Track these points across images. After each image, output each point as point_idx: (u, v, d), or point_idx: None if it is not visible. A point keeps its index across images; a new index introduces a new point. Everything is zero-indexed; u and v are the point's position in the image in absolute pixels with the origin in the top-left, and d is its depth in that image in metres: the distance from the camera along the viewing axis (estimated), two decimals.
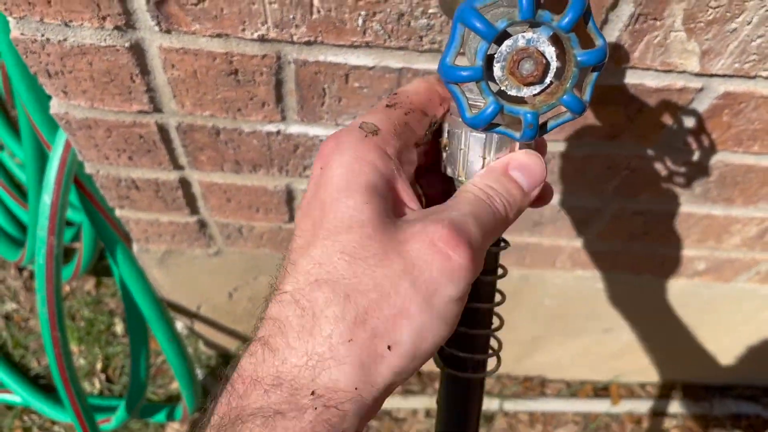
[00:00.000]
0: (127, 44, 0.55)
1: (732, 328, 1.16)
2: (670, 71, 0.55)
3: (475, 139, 0.36)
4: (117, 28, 0.53)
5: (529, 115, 0.30)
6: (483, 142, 0.36)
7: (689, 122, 0.62)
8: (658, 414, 1.49)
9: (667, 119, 0.61)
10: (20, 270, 1.51)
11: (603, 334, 1.21)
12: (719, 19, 0.49)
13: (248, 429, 0.29)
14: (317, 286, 0.31)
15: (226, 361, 1.44)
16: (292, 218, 0.83)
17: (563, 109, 0.31)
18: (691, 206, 0.75)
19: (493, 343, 0.45)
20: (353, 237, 0.31)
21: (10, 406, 1.39)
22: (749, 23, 0.50)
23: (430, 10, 0.50)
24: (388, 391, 0.32)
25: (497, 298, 0.44)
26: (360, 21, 0.52)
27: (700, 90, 0.57)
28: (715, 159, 0.67)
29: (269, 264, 0.97)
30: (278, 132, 0.66)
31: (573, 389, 1.52)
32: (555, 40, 0.29)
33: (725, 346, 1.26)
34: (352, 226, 0.32)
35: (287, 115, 0.63)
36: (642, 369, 1.42)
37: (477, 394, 0.46)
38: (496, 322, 0.44)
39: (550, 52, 0.29)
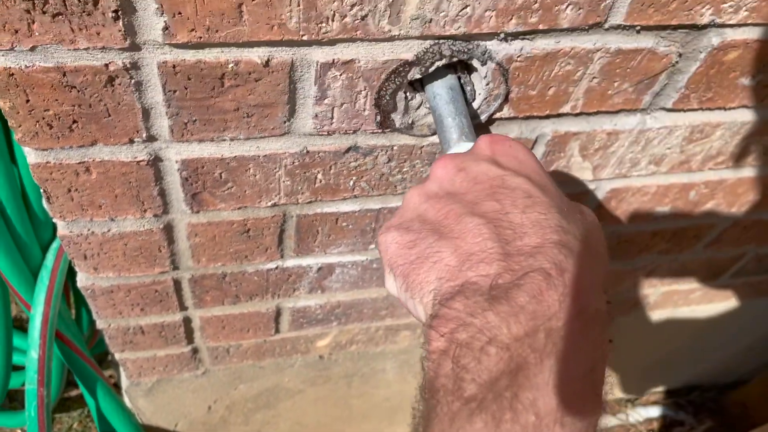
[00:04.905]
0: (161, 226, 0.67)
1: (652, 346, 1.39)
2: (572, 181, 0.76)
3: None
4: (155, 215, 0.65)
5: None
6: None
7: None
8: None
9: None
10: None
11: None
12: (602, 146, 0.70)
13: None
14: None
15: None
16: (277, 332, 0.95)
17: None
18: None
19: None
20: None
21: None
22: (623, 146, 0.71)
23: (404, 169, 0.67)
24: None
25: None
26: (351, 183, 0.67)
27: (594, 189, 0.78)
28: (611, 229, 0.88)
29: (249, 373, 1.08)
30: (276, 267, 0.79)
31: None
32: None
33: (642, 361, 1.49)
34: None
35: (285, 254, 0.77)
36: None
37: None
38: None
39: None
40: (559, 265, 0.36)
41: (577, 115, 0.65)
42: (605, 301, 0.37)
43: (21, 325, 1.61)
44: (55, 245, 1.00)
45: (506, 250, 0.37)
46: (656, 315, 1.22)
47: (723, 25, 0.58)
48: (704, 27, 0.57)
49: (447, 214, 0.42)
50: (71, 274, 1.10)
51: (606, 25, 0.54)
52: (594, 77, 0.60)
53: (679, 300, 1.17)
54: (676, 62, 0.60)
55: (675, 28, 0.57)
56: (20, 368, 1.40)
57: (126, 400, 1.15)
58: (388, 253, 0.43)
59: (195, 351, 0.96)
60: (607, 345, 0.35)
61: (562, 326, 0.34)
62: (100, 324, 0.83)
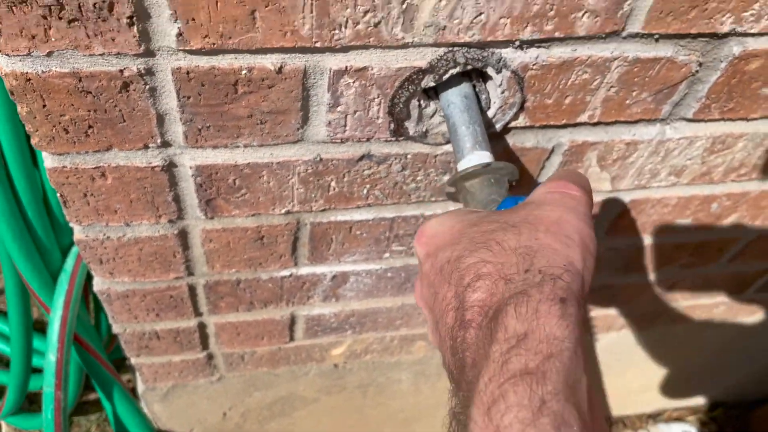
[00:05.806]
0: (176, 231, 0.67)
1: (674, 361, 1.37)
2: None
3: None
4: (170, 221, 0.66)
5: None
6: None
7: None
8: None
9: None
10: None
11: None
12: (621, 157, 0.69)
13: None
14: None
15: None
16: (292, 339, 0.95)
17: None
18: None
19: None
20: None
21: None
22: (642, 157, 0.70)
23: (418, 178, 0.67)
24: None
25: None
26: (365, 191, 0.67)
27: (613, 200, 0.77)
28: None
29: (264, 381, 1.07)
30: (290, 275, 0.79)
31: None
32: None
33: (664, 376, 1.47)
34: None
35: (299, 261, 0.77)
36: None
37: None
38: None
39: None
40: (479, 302, 0.40)
41: (594, 124, 0.64)
42: (553, 276, 0.39)
43: (42, 328, 1.63)
44: (75, 249, 1.01)
45: (440, 332, 0.43)
46: (678, 329, 1.19)
47: (744, 34, 0.57)
48: (725, 36, 0.56)
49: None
50: (90, 278, 1.12)
51: (624, 33, 0.53)
52: (612, 86, 0.59)
53: (702, 314, 1.15)
54: (696, 71, 0.59)
55: (695, 36, 0.56)
56: (40, 371, 1.41)
57: (142, 404, 1.15)
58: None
59: (210, 357, 0.96)
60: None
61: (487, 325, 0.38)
62: (116, 329, 0.83)
